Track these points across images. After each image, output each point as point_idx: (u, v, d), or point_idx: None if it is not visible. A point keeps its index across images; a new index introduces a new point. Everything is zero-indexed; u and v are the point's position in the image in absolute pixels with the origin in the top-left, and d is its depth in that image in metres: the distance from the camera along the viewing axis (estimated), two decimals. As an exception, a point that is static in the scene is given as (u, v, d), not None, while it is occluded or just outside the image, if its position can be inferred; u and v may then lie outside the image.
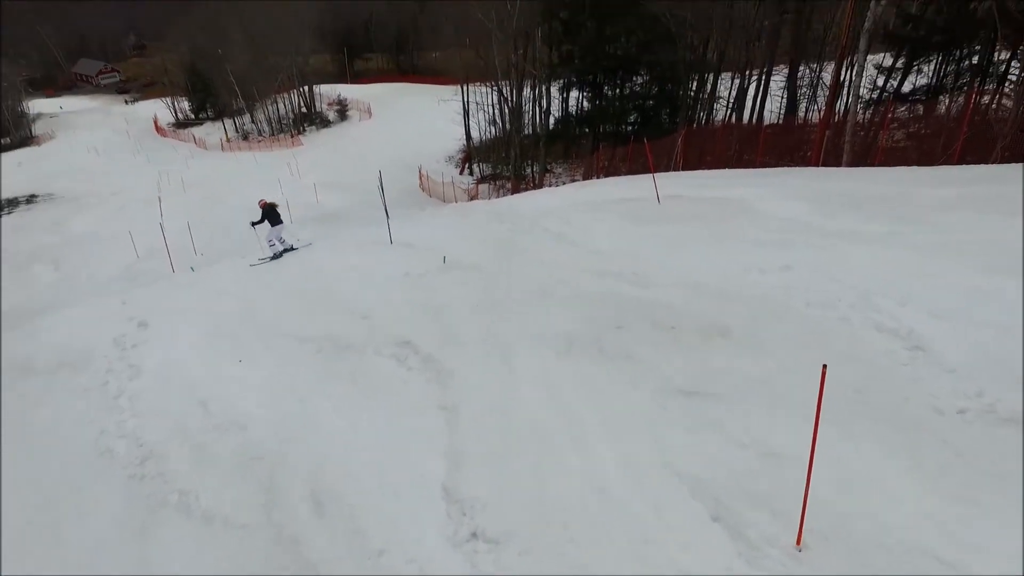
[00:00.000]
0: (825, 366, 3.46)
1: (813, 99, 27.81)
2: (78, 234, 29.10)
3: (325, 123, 56.65)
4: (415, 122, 49.36)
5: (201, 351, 8.49)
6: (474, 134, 38.96)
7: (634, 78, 32.38)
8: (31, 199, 42.04)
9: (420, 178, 32.88)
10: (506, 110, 34.06)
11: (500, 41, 29.80)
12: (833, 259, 6.84)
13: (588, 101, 34.07)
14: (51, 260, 24.17)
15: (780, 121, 26.79)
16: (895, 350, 5.14)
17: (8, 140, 65.19)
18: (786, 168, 15.61)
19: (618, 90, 32.71)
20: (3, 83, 66.54)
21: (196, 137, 59.37)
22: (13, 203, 41.19)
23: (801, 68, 27.86)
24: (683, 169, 19.14)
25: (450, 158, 39.70)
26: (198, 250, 19.94)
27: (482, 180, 34.01)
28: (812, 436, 3.58)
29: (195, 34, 66.41)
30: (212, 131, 60.94)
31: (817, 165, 15.09)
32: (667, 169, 19.21)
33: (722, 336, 5.98)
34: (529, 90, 32.86)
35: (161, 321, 10.13)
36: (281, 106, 57.97)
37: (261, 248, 14.12)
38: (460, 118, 39.00)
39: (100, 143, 59.99)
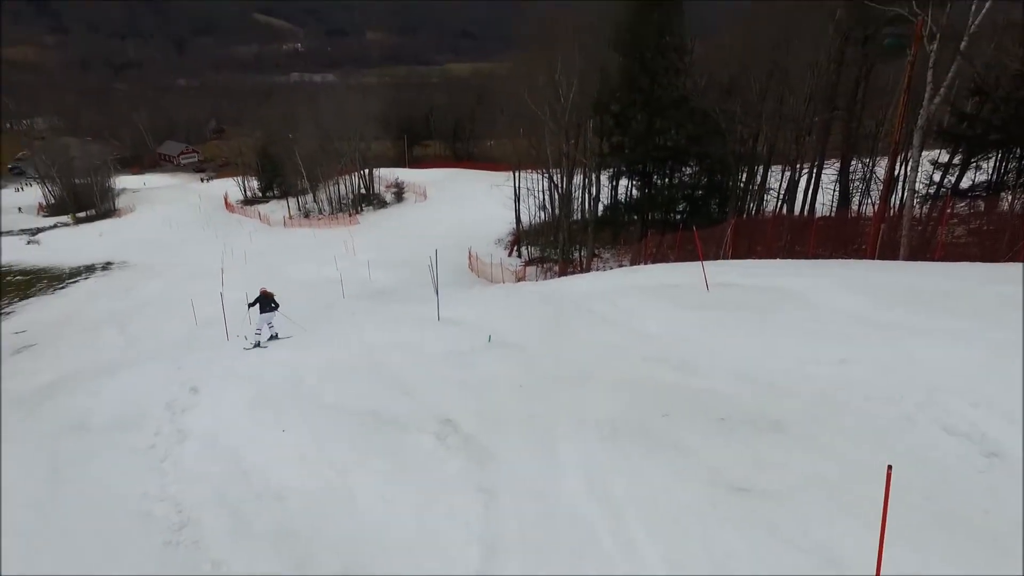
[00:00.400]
0: (890, 467, 3.25)
1: (866, 193, 27.59)
2: (145, 300, 30.60)
3: (382, 204, 59.17)
4: (467, 205, 51.07)
5: (247, 418, 8.60)
6: (524, 218, 39.97)
7: (683, 168, 32.98)
8: (107, 266, 44.81)
9: (470, 259, 33.62)
10: (556, 196, 34.97)
11: (552, 132, 31.04)
12: (894, 354, 6.54)
13: (637, 189, 34.70)
14: (118, 324, 25.34)
15: (832, 214, 26.55)
16: (968, 455, 4.78)
17: (94, 211, 70.55)
18: (840, 260, 15.31)
19: (667, 179, 33.29)
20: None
21: (261, 214, 62.82)
22: (91, 269, 43.98)
23: (853, 162, 27.85)
24: (732, 258, 19.01)
25: (499, 240, 40.61)
26: (253, 320, 20.60)
27: (530, 262, 34.52)
28: (878, 545, 3.31)
29: (270, 120, 71.93)
30: (276, 208, 64.45)
31: (873, 258, 14.76)
32: (716, 258, 19.12)
33: (775, 430, 5.71)
34: (579, 177, 33.77)
35: (212, 387, 10.39)
36: (342, 187, 61.09)
37: (239, 333, 14.50)
38: (511, 202, 40.20)
39: (174, 217, 64.14)
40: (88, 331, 25.00)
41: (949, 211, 14.86)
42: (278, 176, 68.95)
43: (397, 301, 19.74)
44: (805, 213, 27.76)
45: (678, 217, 32.08)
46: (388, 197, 60.36)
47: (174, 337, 20.76)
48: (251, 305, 14.24)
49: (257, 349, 13.67)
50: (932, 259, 13.41)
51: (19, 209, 75.73)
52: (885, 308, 8.15)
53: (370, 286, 27.01)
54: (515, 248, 38.37)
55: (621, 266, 26.89)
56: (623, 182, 35.62)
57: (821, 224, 19.21)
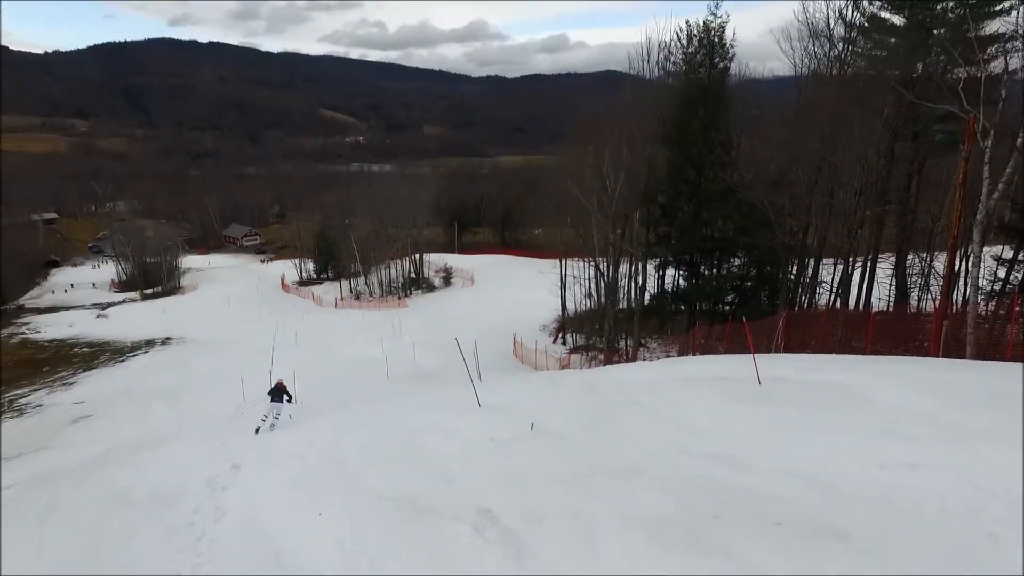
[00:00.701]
0: (973, 589, 2.92)
1: (926, 288, 26.66)
2: (198, 375, 31.51)
3: (431, 288, 60.49)
4: (514, 291, 51.63)
5: (285, 499, 8.52)
6: (569, 305, 40.05)
7: (731, 259, 32.79)
8: (166, 341, 46.72)
9: (514, 344, 33.60)
10: (602, 284, 35.13)
11: (599, 222, 31.62)
12: (972, 461, 6.05)
13: (684, 279, 34.53)
14: (170, 398, 26.04)
15: (890, 308, 25.64)
16: (1062, 580, 4.27)
17: (160, 288, 74.51)
18: (901, 357, 14.61)
19: (715, 270, 33.08)
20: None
21: (315, 295, 64.96)
22: (151, 344, 45.89)
23: (910, 256, 27.14)
24: (785, 351, 18.40)
25: (544, 327, 40.60)
26: (298, 399, 20.84)
27: (575, 350, 34.22)
28: None
29: (328, 206, 75.96)
30: (330, 290, 66.61)
31: (937, 356, 14.03)
32: (767, 351, 18.54)
33: (838, 539, 5.26)
34: (626, 266, 33.94)
35: (254, 464, 10.41)
36: (393, 270, 62.94)
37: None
38: (557, 289, 40.49)
39: (233, 295, 66.96)
40: (141, 404, 25.74)
41: (1017, 309, 14.14)
42: (333, 259, 71.80)
43: (441, 384, 19.72)
44: (860, 307, 26.90)
45: (727, 308, 31.58)
46: (437, 281, 61.74)
47: (222, 412, 21.12)
48: (268, 393, 15.83)
49: (308, 433, 13.75)
50: (1003, 359, 12.64)
51: (93, 285, 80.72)
52: (955, 409, 7.64)
53: (415, 368, 27.17)
54: (560, 335, 38.23)
55: (668, 356, 26.33)
56: (670, 272, 35.59)
57: (879, 319, 18.53)
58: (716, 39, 31.84)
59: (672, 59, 34.48)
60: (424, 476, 8.39)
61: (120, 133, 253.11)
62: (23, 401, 30.05)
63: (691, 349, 25.26)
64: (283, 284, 73.54)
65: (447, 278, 61.68)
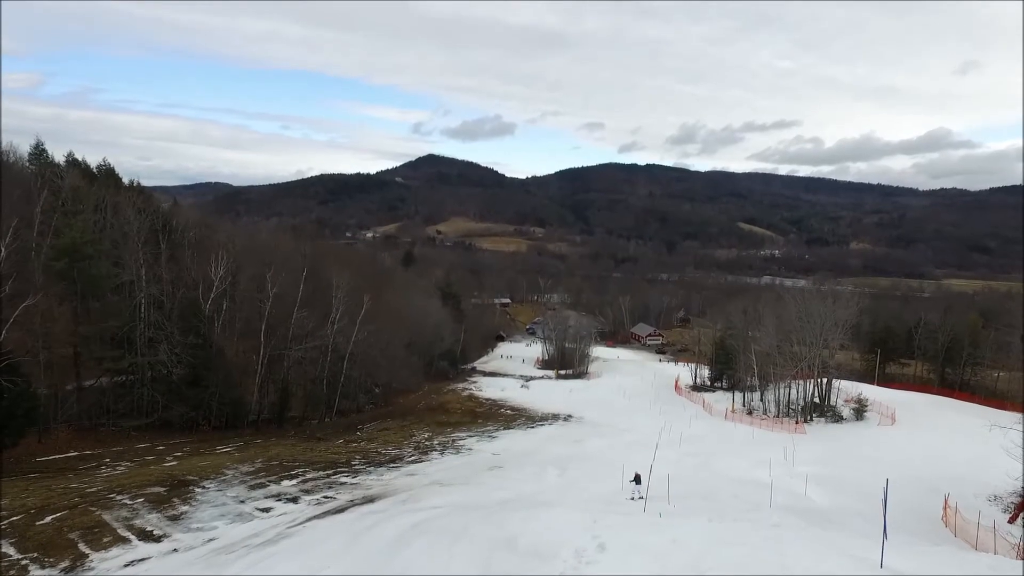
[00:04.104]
0: None
1: None
2: (586, 453, 34.24)
3: (837, 418, 53.06)
4: (951, 442, 41.25)
5: (639, 593, 8.42)
6: (1041, 478, 29.72)
7: None
8: (567, 418, 52.47)
9: (945, 508, 26.48)
10: (1103, 460, 25.14)
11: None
12: None
13: None
14: (561, 467, 28.89)
15: None
16: None
17: (571, 371, 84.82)
18: None
19: None
20: None
21: (705, 401, 64.10)
22: (555, 418, 52.21)
23: None
24: None
25: (995, 498, 30.89)
26: (672, 499, 20.52)
27: (1046, 541, 24.93)
28: None
29: (732, 315, 75.21)
30: (721, 399, 64.86)
31: None
32: None
33: None
34: None
35: (617, 551, 10.65)
36: (793, 391, 57.75)
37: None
38: (1020, 452, 30.62)
39: (629, 388, 71.40)
40: (539, 467, 29.18)
41: None
42: (729, 369, 70.16)
43: (833, 528, 16.86)
44: None
45: None
46: (846, 412, 53.82)
47: (600, 492, 22.33)
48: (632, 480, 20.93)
49: (672, 535, 13.53)
50: None
51: (523, 360, 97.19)
52: None
53: (804, 502, 23.94)
54: (1022, 515, 28.56)
55: None
56: None
57: None
58: None
59: None
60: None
61: (564, 239, 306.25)
62: (461, 443, 37.50)
63: None
64: (676, 385, 74.86)
65: (859, 410, 53.05)
